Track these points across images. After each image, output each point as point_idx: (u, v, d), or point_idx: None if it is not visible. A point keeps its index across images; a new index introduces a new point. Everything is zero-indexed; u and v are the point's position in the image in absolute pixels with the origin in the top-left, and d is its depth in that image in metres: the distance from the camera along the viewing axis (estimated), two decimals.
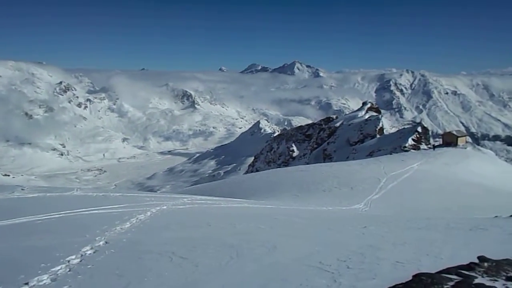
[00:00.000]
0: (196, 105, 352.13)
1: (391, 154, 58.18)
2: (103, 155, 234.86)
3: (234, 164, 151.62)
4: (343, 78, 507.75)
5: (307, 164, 70.32)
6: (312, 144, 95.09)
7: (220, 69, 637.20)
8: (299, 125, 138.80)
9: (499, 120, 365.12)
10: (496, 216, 19.41)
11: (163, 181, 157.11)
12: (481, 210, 23.40)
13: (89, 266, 6.18)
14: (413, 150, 60.50)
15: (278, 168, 64.01)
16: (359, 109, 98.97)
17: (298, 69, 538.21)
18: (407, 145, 65.17)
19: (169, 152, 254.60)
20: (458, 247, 7.96)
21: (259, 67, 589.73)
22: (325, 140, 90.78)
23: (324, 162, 70.57)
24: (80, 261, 6.41)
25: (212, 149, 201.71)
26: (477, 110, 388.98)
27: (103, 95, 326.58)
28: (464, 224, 12.56)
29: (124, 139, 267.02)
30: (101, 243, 7.47)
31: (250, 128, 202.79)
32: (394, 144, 66.96)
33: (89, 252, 6.89)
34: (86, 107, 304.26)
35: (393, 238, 9.13)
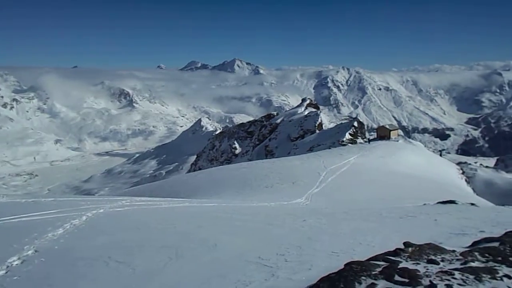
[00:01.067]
0: (134, 104, 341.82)
1: (330, 148, 60.15)
2: (34, 158, 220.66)
3: (176, 163, 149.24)
4: (282, 75, 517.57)
5: (250, 161, 70.87)
6: (254, 141, 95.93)
7: (159, 67, 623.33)
8: (240, 122, 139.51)
9: (427, 114, 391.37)
10: (424, 204, 20.75)
11: (101, 184, 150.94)
12: (412, 198, 24.86)
13: (15, 278, 5.79)
14: (350, 144, 62.98)
15: (221, 166, 63.87)
16: (299, 106, 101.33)
17: (238, 66, 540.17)
18: (344, 139, 67.70)
19: (107, 153, 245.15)
20: (389, 235, 8.43)
21: (199, 65, 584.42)
22: (266, 136, 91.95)
23: (266, 158, 71.45)
24: (6, 273, 5.98)
25: (152, 148, 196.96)
26: (408, 104, 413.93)
27: (31, 94, 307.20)
28: (396, 213, 13.31)
29: (57, 141, 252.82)
30: (29, 252, 7.01)
31: (192, 126, 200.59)
32: (333, 139, 69.30)
33: (16, 262, 6.43)
34: (13, 107, 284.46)
35: (331, 230, 9.48)
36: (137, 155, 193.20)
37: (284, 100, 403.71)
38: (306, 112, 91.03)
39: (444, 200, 21.21)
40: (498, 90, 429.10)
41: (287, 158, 50.11)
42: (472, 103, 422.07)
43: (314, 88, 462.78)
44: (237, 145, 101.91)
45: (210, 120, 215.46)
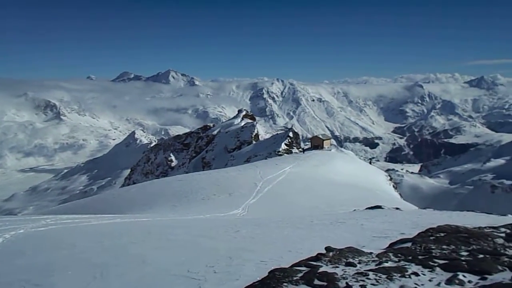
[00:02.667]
0: (62, 117, 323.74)
1: (266, 159, 61.08)
2: None
3: (109, 178, 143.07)
4: (218, 86, 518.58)
5: (186, 173, 69.87)
6: (190, 153, 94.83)
7: (89, 77, 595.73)
8: (176, 134, 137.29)
9: (357, 124, 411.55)
10: (354, 210, 21.73)
11: (25, 202, 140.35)
12: (343, 205, 25.89)
13: None
14: (286, 154, 64.38)
15: (156, 179, 62.28)
16: (235, 117, 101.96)
17: (173, 77, 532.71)
18: (280, 149, 69.11)
19: (32, 169, 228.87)
20: (317, 241, 8.72)
21: (132, 76, 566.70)
22: (203, 148, 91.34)
23: (203, 170, 70.90)
24: None
25: (82, 163, 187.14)
26: (339, 115, 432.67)
27: None
28: (326, 219, 13.80)
29: None
30: None
31: (125, 139, 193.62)
32: (269, 149, 70.46)
33: None
34: None
35: (263, 239, 9.61)
36: (66, 170, 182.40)
37: (221, 112, 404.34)
38: (242, 123, 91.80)
39: (373, 205, 22.37)
40: (420, 101, 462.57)
41: (224, 170, 50.05)
42: (398, 113, 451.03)
43: (250, 100, 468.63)
44: (173, 158, 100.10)
45: (144, 132, 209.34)
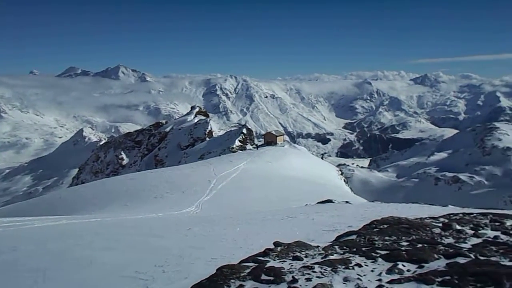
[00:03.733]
0: (2, 114, 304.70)
1: (220, 155, 60.87)
2: None
3: (55, 178, 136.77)
4: (170, 83, 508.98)
5: (138, 171, 68.22)
6: (142, 150, 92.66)
7: (32, 72, 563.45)
8: (127, 131, 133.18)
9: (309, 120, 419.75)
10: (306, 204, 22.20)
11: None
12: (296, 200, 26.41)
13: None
14: (240, 151, 64.50)
15: (106, 178, 60.31)
16: (188, 114, 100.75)
17: (123, 73, 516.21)
18: (234, 146, 69.12)
19: None
20: (268, 237, 8.82)
21: (79, 71, 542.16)
22: (156, 145, 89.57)
23: (156, 168, 69.48)
24: None
25: (26, 163, 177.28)
26: (292, 111, 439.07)
27: None
28: (279, 214, 13.99)
29: None
30: None
31: (72, 137, 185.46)
32: (223, 146, 70.27)
33: None
34: None
35: (214, 236, 9.59)
36: (7, 170, 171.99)
37: (173, 108, 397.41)
38: (196, 120, 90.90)
39: (324, 200, 22.96)
40: (369, 98, 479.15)
41: (178, 167, 49.43)
42: (348, 110, 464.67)
43: (203, 96, 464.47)
44: (124, 156, 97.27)
45: (93, 130, 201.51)
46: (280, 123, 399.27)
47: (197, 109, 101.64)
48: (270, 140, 68.72)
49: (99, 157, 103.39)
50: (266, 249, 5.25)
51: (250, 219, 12.70)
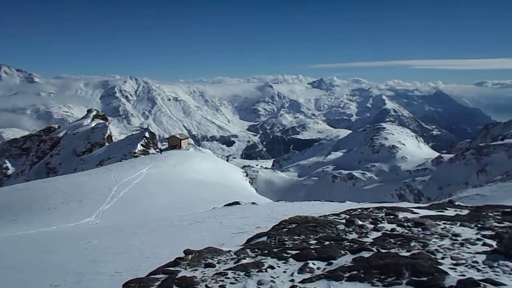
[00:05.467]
0: None
1: (121, 161, 58.07)
2: None
3: None
4: (63, 84, 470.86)
5: (27, 181, 62.01)
6: (31, 158, 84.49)
7: None
8: (13, 137, 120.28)
9: (214, 123, 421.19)
10: (214, 208, 22.13)
11: None
12: (203, 203, 26.13)
13: None
14: (143, 155, 62.20)
15: None
16: (84, 117, 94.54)
17: (6, 73, 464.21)
18: (136, 151, 66.52)
19: None
20: (177, 244, 8.52)
21: None
22: (47, 152, 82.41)
23: (48, 177, 63.78)
24: None
25: None
26: (196, 114, 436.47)
27: None
28: (186, 220, 13.68)
29: None
30: None
31: None
32: (124, 151, 67.20)
33: None
34: None
35: (118, 248, 8.99)
36: None
37: (67, 112, 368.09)
38: (93, 124, 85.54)
39: (231, 202, 23.11)
40: (270, 100, 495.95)
41: (73, 175, 45.97)
42: (251, 112, 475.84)
43: (101, 99, 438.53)
44: (9, 165, 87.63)
45: None
46: (184, 126, 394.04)
47: (94, 113, 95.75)
48: (174, 143, 67.56)
49: None
50: (177, 258, 5.01)
51: (157, 227, 12.21)
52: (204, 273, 4.41)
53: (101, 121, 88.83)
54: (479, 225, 6.48)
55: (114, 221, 20.46)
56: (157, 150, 69.55)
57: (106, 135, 79.27)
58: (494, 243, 5.07)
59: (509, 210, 8.32)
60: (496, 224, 6.59)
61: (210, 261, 4.91)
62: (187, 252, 5.30)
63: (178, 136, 72.22)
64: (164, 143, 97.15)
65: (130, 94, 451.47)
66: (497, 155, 76.38)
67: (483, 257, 4.56)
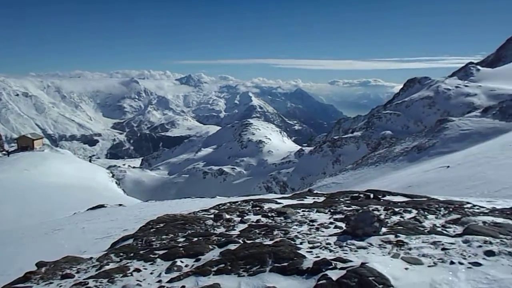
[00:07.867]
0: None
1: None
2: None
3: None
4: None
5: None
6: None
7: None
8: None
9: (73, 121, 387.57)
10: (75, 213, 20.45)
11: None
12: (63, 209, 23.94)
13: None
14: None
15: None
16: None
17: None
18: None
19: None
20: (29, 257, 7.63)
21: None
22: None
23: None
24: None
25: None
26: (52, 111, 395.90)
27: None
28: (41, 229, 12.36)
29: None
30: None
31: None
32: None
33: None
34: None
35: None
36: None
37: None
38: None
39: (95, 205, 21.63)
40: (137, 97, 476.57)
41: None
42: (116, 109, 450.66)
43: None
44: None
45: None
46: (37, 125, 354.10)
47: None
48: (25, 144, 60.63)
49: None
50: (27, 273, 4.46)
51: (5, 239, 10.77)
52: (61, 285, 4.02)
53: None
54: (331, 210, 7.22)
55: None
56: (4, 152, 61.41)
57: None
58: (343, 225, 5.70)
59: (356, 195, 9.47)
60: (345, 208, 7.43)
61: (68, 271, 4.48)
62: (40, 264, 4.76)
63: (29, 136, 65.00)
64: (13, 144, 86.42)
65: None
66: (348, 147, 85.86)
67: (335, 238, 5.09)
